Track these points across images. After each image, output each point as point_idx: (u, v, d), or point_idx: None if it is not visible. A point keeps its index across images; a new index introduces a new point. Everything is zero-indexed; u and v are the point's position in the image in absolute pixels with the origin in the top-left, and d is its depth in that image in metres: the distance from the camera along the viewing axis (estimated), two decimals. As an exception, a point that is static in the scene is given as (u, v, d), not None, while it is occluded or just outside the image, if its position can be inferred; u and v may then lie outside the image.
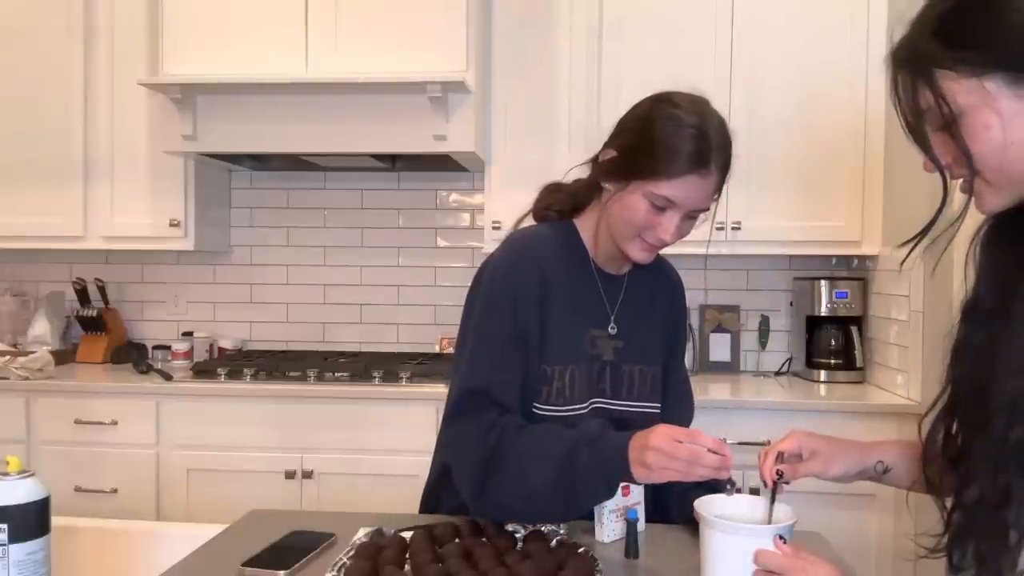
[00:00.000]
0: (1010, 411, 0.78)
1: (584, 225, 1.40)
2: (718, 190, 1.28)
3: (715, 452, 1.08)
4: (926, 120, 0.84)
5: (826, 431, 1.21)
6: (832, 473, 1.14)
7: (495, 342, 1.29)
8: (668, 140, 1.22)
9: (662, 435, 1.11)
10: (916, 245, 0.89)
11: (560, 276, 1.34)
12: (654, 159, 1.23)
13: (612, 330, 1.38)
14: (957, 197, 0.86)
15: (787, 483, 1.10)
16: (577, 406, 1.33)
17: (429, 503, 1.48)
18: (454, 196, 3.25)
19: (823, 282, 2.89)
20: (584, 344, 1.35)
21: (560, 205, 1.43)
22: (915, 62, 0.83)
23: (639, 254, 1.31)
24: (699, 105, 1.27)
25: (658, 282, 1.47)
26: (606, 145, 1.34)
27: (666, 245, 1.30)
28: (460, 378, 1.30)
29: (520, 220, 1.47)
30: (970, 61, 0.79)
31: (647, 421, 1.30)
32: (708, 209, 1.28)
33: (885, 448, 1.16)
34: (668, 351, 1.46)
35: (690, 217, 1.28)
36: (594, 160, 1.37)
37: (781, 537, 0.96)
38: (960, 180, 0.85)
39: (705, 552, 1.04)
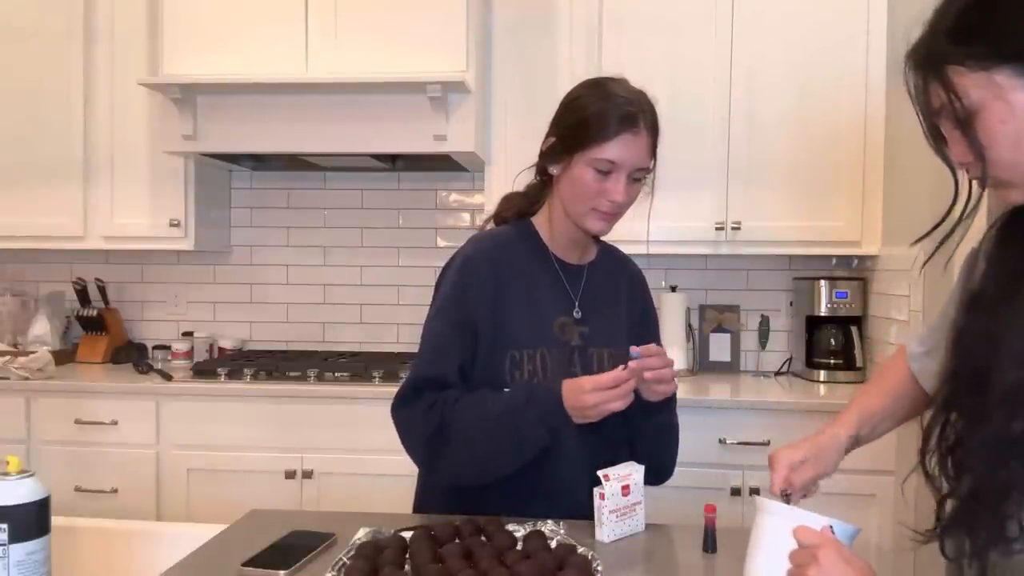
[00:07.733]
0: (1011, 402, 0.77)
1: (540, 220, 1.50)
2: (653, 151, 1.40)
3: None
4: (941, 119, 0.85)
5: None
6: (831, 470, 1.16)
7: (443, 331, 1.39)
8: (599, 109, 1.36)
9: (588, 381, 1.27)
10: (940, 246, 0.88)
11: (520, 267, 1.43)
12: (589, 128, 1.35)
13: (577, 315, 1.46)
14: (963, 198, 0.86)
15: (789, 493, 1.12)
16: None
17: (420, 503, 1.51)
18: (454, 196, 3.25)
19: (823, 282, 2.89)
20: (552, 329, 1.43)
21: (516, 206, 1.53)
22: (927, 61, 0.84)
23: (596, 224, 1.40)
24: (622, 82, 1.42)
25: (617, 271, 1.56)
26: (546, 136, 1.45)
27: (620, 210, 1.39)
28: (412, 367, 1.41)
29: (483, 225, 1.57)
30: (978, 55, 0.79)
31: None
32: (649, 169, 1.40)
33: (846, 422, 1.21)
34: (640, 337, 1.50)
35: (635, 179, 1.38)
36: (540, 153, 1.46)
37: (831, 527, 0.93)
38: (975, 178, 0.85)
39: (754, 538, 1.01)
